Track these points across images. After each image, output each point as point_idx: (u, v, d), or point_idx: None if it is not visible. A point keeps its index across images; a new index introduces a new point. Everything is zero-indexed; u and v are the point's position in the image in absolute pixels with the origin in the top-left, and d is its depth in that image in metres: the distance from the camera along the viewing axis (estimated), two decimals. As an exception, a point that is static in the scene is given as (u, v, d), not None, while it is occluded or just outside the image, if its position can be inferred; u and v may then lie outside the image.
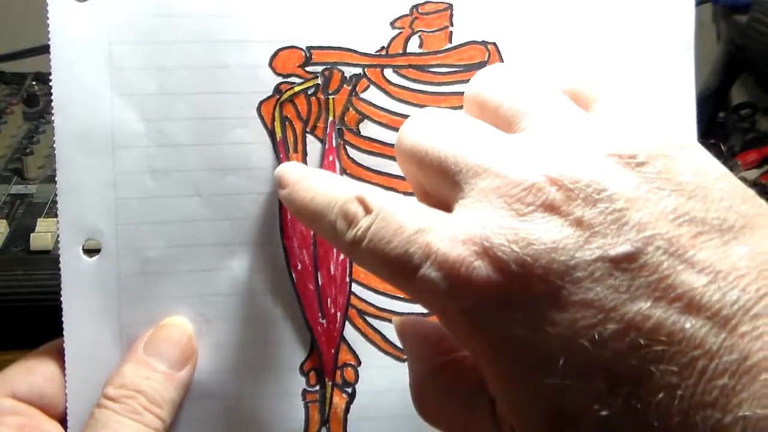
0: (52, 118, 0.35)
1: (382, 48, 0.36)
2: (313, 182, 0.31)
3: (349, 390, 0.37)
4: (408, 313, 0.37)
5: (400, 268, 0.25)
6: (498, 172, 0.25)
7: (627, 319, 0.22)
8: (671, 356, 0.21)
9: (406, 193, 0.36)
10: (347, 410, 0.37)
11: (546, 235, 0.23)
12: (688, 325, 0.22)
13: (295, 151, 0.36)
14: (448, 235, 0.25)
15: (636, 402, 0.22)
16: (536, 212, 0.24)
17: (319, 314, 0.36)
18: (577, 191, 0.24)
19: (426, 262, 0.25)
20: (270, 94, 0.35)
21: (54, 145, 0.35)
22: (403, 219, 0.26)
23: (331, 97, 0.36)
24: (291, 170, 0.33)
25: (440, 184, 0.27)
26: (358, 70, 0.36)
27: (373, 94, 0.36)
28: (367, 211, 0.27)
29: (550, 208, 0.24)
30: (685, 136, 0.26)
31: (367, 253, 0.27)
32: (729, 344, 0.21)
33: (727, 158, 0.78)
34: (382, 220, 0.26)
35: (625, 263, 0.22)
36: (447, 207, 0.26)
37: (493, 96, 0.28)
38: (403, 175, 0.36)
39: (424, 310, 0.34)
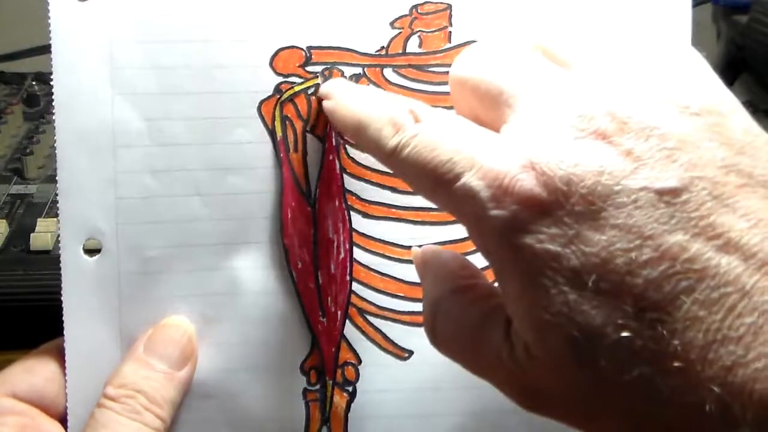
0: (53, 117, 0.35)
1: (382, 48, 0.36)
2: (362, 94, 0.31)
3: (350, 389, 0.37)
4: (408, 312, 0.37)
5: (441, 175, 0.25)
6: (554, 99, 0.25)
7: (664, 248, 0.22)
8: (703, 289, 0.22)
9: (406, 192, 0.36)
10: (348, 409, 0.37)
11: (594, 160, 0.23)
12: (723, 262, 0.22)
13: (296, 150, 0.36)
14: (496, 148, 0.25)
15: (661, 328, 0.22)
16: (587, 138, 0.24)
17: (320, 313, 0.36)
18: (631, 125, 0.24)
19: (470, 171, 0.25)
20: (270, 93, 0.35)
21: (54, 145, 0.35)
22: (452, 130, 0.26)
23: (331, 96, 0.36)
24: (339, 83, 0.34)
25: (493, 107, 0.27)
26: (358, 70, 0.36)
27: (373, 94, 0.36)
28: (417, 121, 0.27)
29: (602, 136, 0.24)
30: (735, 100, 0.26)
31: (409, 160, 0.27)
32: (762, 285, 0.21)
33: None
34: (431, 130, 0.27)
35: (669, 196, 0.23)
36: (497, 130, 0.27)
37: (550, 41, 0.29)
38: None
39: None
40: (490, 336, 0.26)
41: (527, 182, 0.24)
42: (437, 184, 0.26)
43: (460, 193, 0.25)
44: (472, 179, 0.25)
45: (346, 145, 0.36)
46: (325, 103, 0.34)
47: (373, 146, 0.29)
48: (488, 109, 0.28)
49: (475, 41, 0.36)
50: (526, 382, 0.25)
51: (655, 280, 0.22)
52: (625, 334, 0.22)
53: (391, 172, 0.36)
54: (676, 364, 0.22)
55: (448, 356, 0.28)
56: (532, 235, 0.23)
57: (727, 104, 0.25)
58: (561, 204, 0.23)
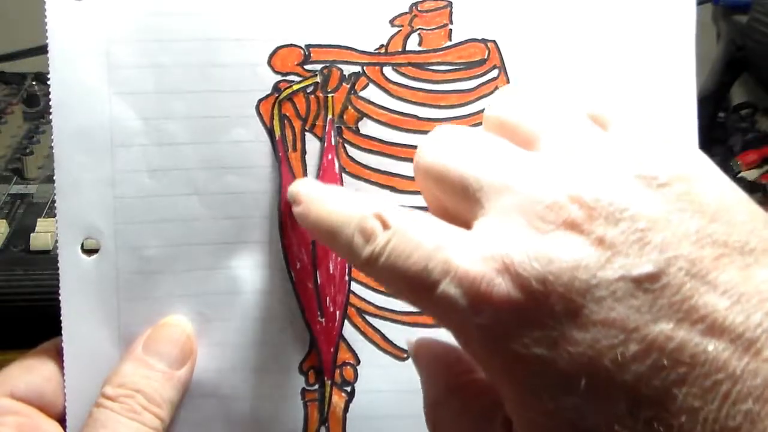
0: (51, 117, 0.35)
1: (382, 46, 0.36)
2: (330, 197, 0.31)
3: (348, 389, 0.37)
4: (407, 312, 0.37)
5: (418, 284, 0.25)
6: (519, 190, 0.25)
7: (649, 340, 0.22)
8: (694, 379, 0.21)
9: (405, 191, 0.36)
10: (346, 409, 0.37)
11: (567, 253, 0.23)
12: (711, 348, 0.21)
13: (294, 149, 0.36)
14: (469, 251, 0.24)
15: (658, 425, 0.21)
16: (558, 230, 0.23)
17: (318, 313, 0.36)
18: (599, 210, 0.23)
19: (445, 278, 0.24)
20: (269, 92, 0.35)
21: (53, 145, 0.35)
22: (423, 235, 0.26)
23: (330, 95, 0.36)
24: (306, 186, 0.33)
25: (460, 202, 0.27)
26: (357, 68, 0.36)
27: (372, 92, 0.36)
28: (386, 226, 0.27)
29: (572, 226, 0.23)
30: (706, 160, 0.26)
31: (384, 269, 0.26)
32: (753, 368, 0.21)
33: (729, 157, 0.78)
34: (401, 235, 0.26)
35: (648, 283, 0.22)
36: (466, 224, 0.26)
37: (513, 114, 0.28)
38: (401, 173, 0.36)
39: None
40: None
41: (503, 287, 0.23)
42: (415, 292, 0.25)
43: (439, 302, 0.24)
44: (449, 287, 0.24)
45: (345, 145, 0.36)
46: (294, 209, 0.33)
47: (347, 255, 0.29)
48: (457, 204, 0.27)
49: (475, 39, 0.36)
50: None
51: (645, 375, 0.22)
52: None
53: (390, 171, 0.36)
54: None
55: None
56: (516, 341, 0.23)
57: (696, 167, 0.25)
58: (540, 305, 0.23)
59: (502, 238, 0.24)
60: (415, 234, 0.26)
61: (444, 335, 0.28)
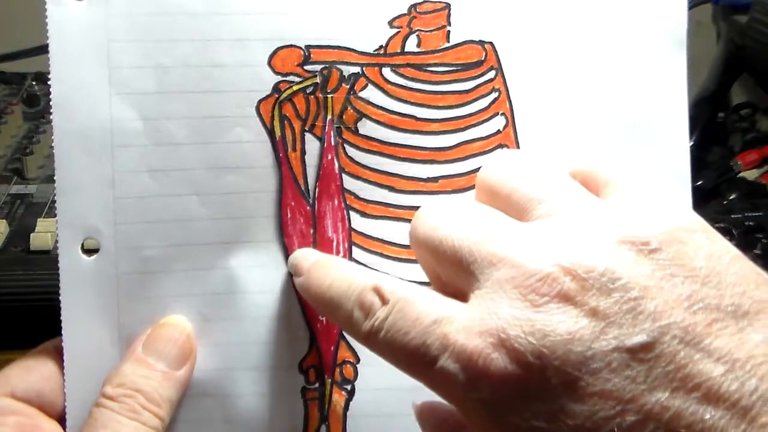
0: (52, 117, 0.35)
1: (381, 47, 0.36)
2: (329, 270, 0.31)
3: (349, 387, 0.37)
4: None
5: (417, 359, 0.25)
6: (513, 262, 0.25)
7: (646, 410, 0.22)
8: None
9: (404, 191, 0.36)
10: (346, 408, 0.37)
11: (562, 326, 0.23)
12: (707, 416, 0.22)
13: (294, 149, 0.36)
14: (465, 327, 0.25)
15: None
16: (551, 303, 0.24)
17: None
18: (592, 281, 0.24)
19: (444, 354, 0.25)
20: (269, 92, 0.35)
21: (53, 145, 0.35)
22: (420, 310, 0.26)
23: (329, 95, 0.36)
24: (306, 257, 0.34)
25: (455, 274, 0.27)
26: (357, 69, 0.36)
27: (371, 93, 0.36)
28: (384, 301, 0.27)
29: (565, 298, 0.24)
30: (696, 220, 0.26)
31: (384, 344, 0.27)
32: None
33: (729, 157, 0.78)
34: (399, 311, 0.27)
35: (642, 353, 0.23)
36: (463, 296, 0.26)
37: (506, 183, 0.29)
38: (400, 173, 0.36)
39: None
40: None
41: (500, 361, 0.24)
42: (415, 367, 0.26)
43: (439, 376, 0.25)
44: (448, 363, 0.25)
45: (345, 145, 0.36)
46: (295, 279, 0.34)
47: (347, 329, 0.29)
48: (452, 276, 0.27)
49: (472, 40, 0.36)
50: None
51: None
52: None
53: (389, 171, 0.36)
54: None
55: None
56: (515, 414, 0.23)
57: (686, 228, 0.25)
58: (537, 379, 0.23)
59: (497, 313, 0.24)
60: (412, 308, 0.26)
61: None
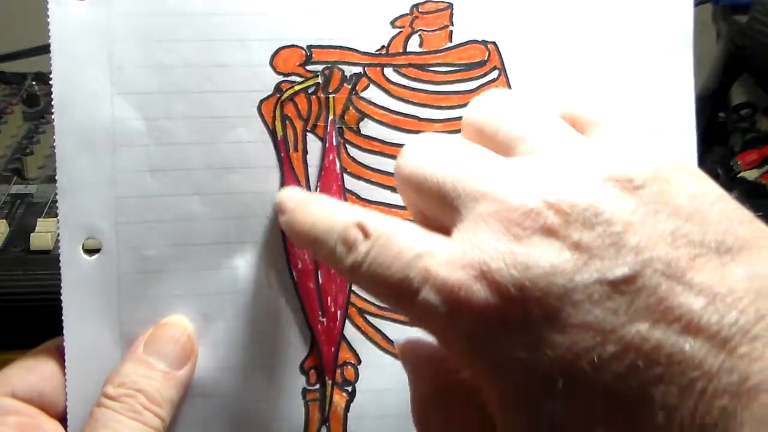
0: (53, 117, 0.35)
1: (383, 47, 0.36)
2: (313, 208, 0.31)
3: (349, 389, 0.37)
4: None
5: (399, 292, 0.25)
6: (496, 197, 0.25)
7: (626, 341, 0.22)
8: (671, 377, 0.22)
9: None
10: (347, 409, 0.37)
11: (544, 259, 0.23)
12: (687, 347, 0.22)
13: (296, 149, 0.36)
14: (447, 260, 0.25)
15: (636, 423, 0.22)
16: (534, 236, 0.24)
17: (320, 313, 0.36)
18: (575, 215, 0.24)
19: (425, 286, 0.25)
20: (270, 92, 0.35)
21: (54, 145, 0.35)
22: (402, 244, 0.26)
23: (331, 95, 0.36)
24: (291, 196, 0.33)
25: (439, 210, 0.27)
26: (359, 69, 0.36)
27: (373, 93, 0.36)
28: (367, 236, 0.27)
29: (548, 231, 0.24)
30: (682, 160, 0.26)
31: (366, 278, 0.27)
32: (728, 366, 0.21)
33: (729, 157, 0.78)
34: (382, 245, 0.27)
35: (624, 286, 0.23)
36: (446, 231, 0.26)
37: (491, 121, 0.28)
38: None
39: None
40: None
41: (482, 293, 0.24)
42: (397, 300, 0.26)
43: (420, 310, 0.25)
44: (429, 294, 0.25)
45: (347, 145, 0.36)
46: (280, 218, 0.34)
47: (331, 264, 0.29)
48: (436, 211, 0.27)
49: (475, 40, 0.36)
50: None
51: (622, 376, 0.22)
52: None
53: (391, 172, 0.36)
54: None
55: None
56: (496, 346, 0.24)
57: (671, 167, 0.25)
58: (518, 310, 0.23)
59: (479, 246, 0.24)
60: (395, 243, 0.26)
61: None
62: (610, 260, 0.23)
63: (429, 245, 0.26)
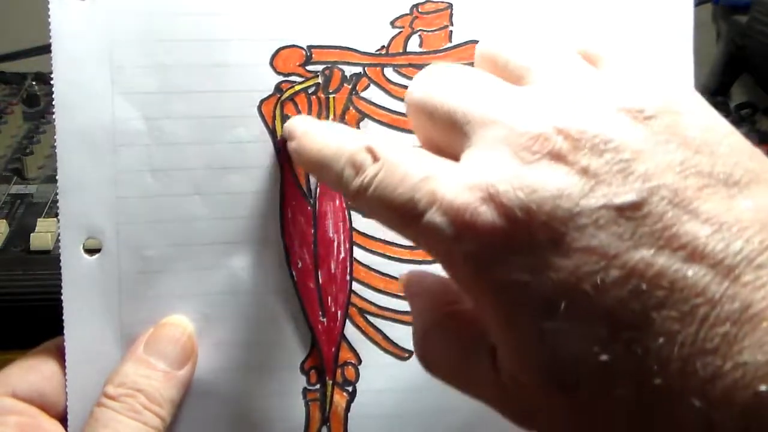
0: (53, 117, 0.35)
1: (383, 47, 0.36)
2: (322, 133, 0.31)
3: (350, 388, 0.37)
4: (408, 312, 0.37)
5: (405, 214, 0.26)
6: (505, 122, 0.25)
7: (630, 266, 0.22)
8: (673, 303, 0.22)
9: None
10: (348, 409, 0.37)
11: (551, 183, 0.23)
12: (690, 273, 0.22)
13: (296, 149, 0.36)
14: (454, 182, 0.25)
15: (636, 347, 0.22)
16: (542, 161, 0.24)
17: (320, 312, 0.36)
18: (584, 141, 0.24)
19: (431, 208, 0.25)
20: (271, 92, 0.35)
21: (55, 145, 0.35)
22: (410, 167, 0.26)
23: (331, 95, 0.36)
24: (299, 122, 0.34)
25: (449, 135, 0.27)
26: (359, 69, 0.36)
27: (373, 93, 0.36)
28: (375, 159, 0.27)
29: (557, 156, 0.24)
30: (694, 94, 0.26)
31: (373, 200, 0.27)
32: (731, 293, 0.21)
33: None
34: (389, 168, 0.27)
35: (630, 212, 0.23)
36: (455, 157, 0.26)
37: (504, 51, 0.29)
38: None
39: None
40: (478, 364, 0.26)
41: (488, 215, 0.24)
42: (403, 222, 0.26)
43: (425, 231, 0.25)
44: (435, 216, 0.25)
45: (347, 145, 0.36)
46: (289, 144, 0.34)
47: (337, 188, 0.29)
48: (445, 137, 0.28)
49: (476, 41, 0.36)
50: (516, 406, 0.26)
51: (625, 300, 0.22)
52: (602, 357, 0.22)
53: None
54: (656, 381, 0.22)
55: (441, 380, 0.29)
56: (500, 268, 0.24)
57: (682, 100, 0.25)
58: (523, 233, 0.23)
59: (487, 169, 0.24)
60: (403, 166, 0.26)
61: None
62: (618, 186, 0.23)
63: (437, 168, 0.26)
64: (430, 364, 0.29)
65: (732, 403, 0.21)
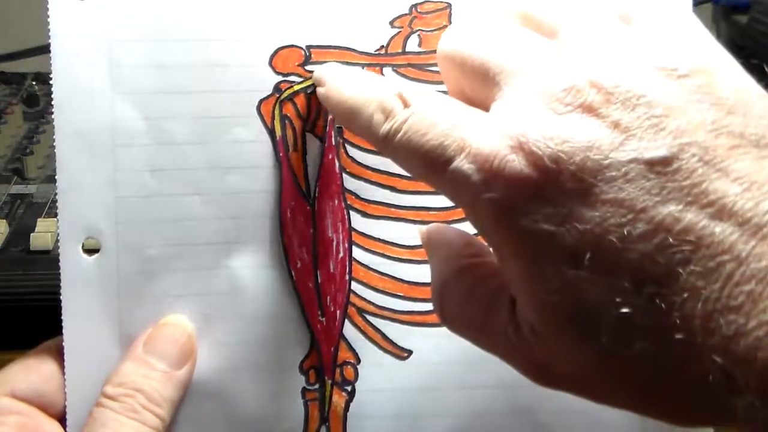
0: (53, 117, 0.35)
1: (382, 47, 0.36)
2: (353, 79, 0.32)
3: (349, 388, 0.37)
4: (407, 311, 0.37)
5: (433, 159, 0.26)
6: (538, 73, 0.25)
7: (657, 221, 0.22)
8: (699, 259, 0.22)
9: (405, 191, 0.36)
10: (347, 408, 0.37)
11: (582, 134, 0.23)
12: (718, 230, 0.22)
13: (295, 149, 0.36)
14: (484, 130, 0.25)
15: (660, 301, 0.22)
16: (574, 112, 0.24)
17: (319, 312, 0.36)
18: (617, 95, 0.24)
19: (460, 155, 0.25)
20: (270, 92, 0.35)
21: (54, 145, 0.35)
22: (441, 113, 0.26)
23: (330, 95, 0.36)
24: (330, 68, 0.34)
25: (480, 86, 0.27)
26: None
27: (372, 93, 0.36)
28: (406, 105, 0.28)
29: (589, 109, 0.24)
30: (727, 56, 0.26)
31: (401, 146, 0.27)
32: (759, 252, 0.21)
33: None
34: (420, 114, 0.27)
35: (660, 167, 0.23)
36: (485, 108, 0.27)
37: (538, 6, 0.29)
38: (401, 173, 0.36)
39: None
40: (496, 315, 0.26)
41: (516, 163, 0.24)
42: (430, 168, 0.26)
43: (452, 178, 0.25)
44: (463, 163, 0.25)
45: (346, 145, 0.36)
46: (318, 90, 0.34)
47: (366, 133, 0.29)
48: (476, 88, 0.28)
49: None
50: (534, 359, 0.25)
51: (651, 254, 0.22)
52: (624, 309, 0.22)
53: (391, 171, 0.36)
54: (677, 336, 0.22)
55: (457, 333, 0.29)
56: (525, 216, 0.24)
57: (716, 62, 0.25)
58: (552, 183, 0.23)
59: (518, 118, 0.25)
60: (433, 113, 0.26)
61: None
62: (648, 141, 0.23)
63: (468, 116, 0.26)
64: (447, 315, 0.29)
65: (754, 361, 0.21)
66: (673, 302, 0.22)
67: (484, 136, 0.25)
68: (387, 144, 0.28)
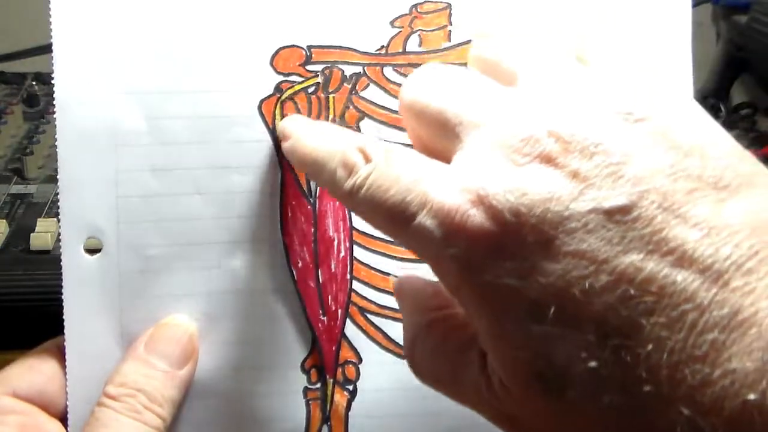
0: (53, 117, 0.35)
1: (382, 47, 0.36)
2: (315, 133, 0.31)
3: (351, 387, 0.37)
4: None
5: (396, 216, 0.26)
6: (497, 124, 0.25)
7: (619, 271, 0.22)
8: (662, 309, 0.21)
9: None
10: (348, 408, 0.37)
11: (541, 186, 0.23)
12: (679, 278, 0.21)
13: (296, 149, 0.36)
14: (445, 184, 0.25)
15: (625, 354, 0.22)
16: (533, 163, 0.24)
17: (320, 311, 0.36)
18: (575, 144, 0.24)
19: (422, 211, 0.25)
20: (271, 92, 0.36)
21: (55, 145, 0.35)
22: (402, 168, 0.26)
23: (331, 95, 0.36)
24: (294, 122, 0.34)
25: (440, 137, 0.27)
26: (358, 69, 0.36)
27: (372, 93, 0.36)
28: (368, 160, 0.27)
29: (547, 159, 0.24)
30: (684, 96, 0.26)
31: (365, 201, 0.27)
32: (720, 299, 0.21)
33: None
34: (382, 169, 0.27)
35: (619, 215, 0.22)
36: (446, 159, 0.26)
37: (494, 52, 0.29)
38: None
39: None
40: (466, 369, 0.26)
41: (477, 218, 0.24)
42: (394, 224, 0.26)
43: (416, 233, 0.25)
44: (426, 218, 0.25)
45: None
46: (283, 144, 0.34)
47: (331, 188, 0.29)
48: (436, 139, 0.28)
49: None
50: (505, 412, 0.25)
51: (614, 306, 0.22)
52: (591, 364, 0.22)
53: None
54: (645, 388, 0.21)
55: (429, 386, 0.29)
56: (488, 272, 0.23)
57: (673, 103, 0.25)
58: (513, 236, 0.23)
59: (478, 171, 0.24)
60: (395, 167, 0.26)
61: None
62: (607, 190, 0.23)
63: (428, 170, 0.26)
64: (418, 369, 0.29)
65: (721, 411, 0.20)
66: (639, 354, 0.21)
67: (446, 191, 0.25)
68: (351, 199, 0.28)
